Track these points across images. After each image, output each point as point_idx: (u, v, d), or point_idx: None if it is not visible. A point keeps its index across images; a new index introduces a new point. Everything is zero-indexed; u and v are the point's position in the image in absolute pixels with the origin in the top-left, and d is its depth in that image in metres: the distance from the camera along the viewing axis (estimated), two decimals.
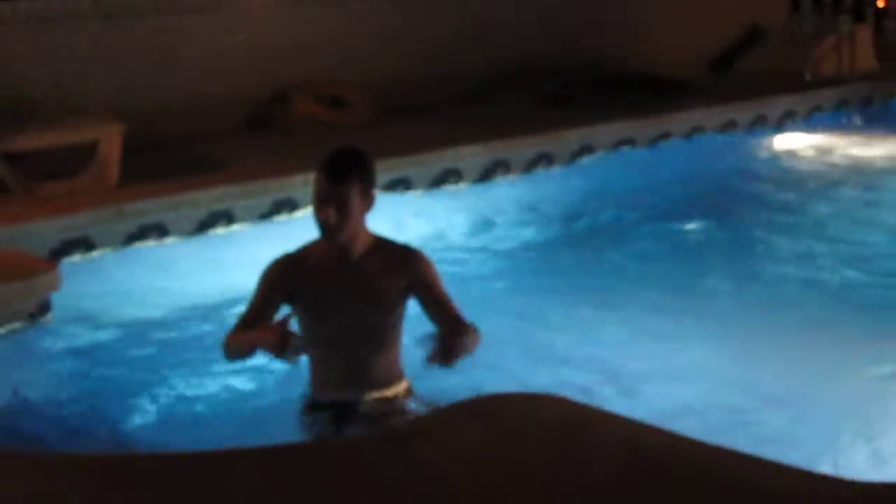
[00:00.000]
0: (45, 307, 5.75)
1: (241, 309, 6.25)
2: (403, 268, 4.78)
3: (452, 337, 4.44)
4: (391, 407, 4.81)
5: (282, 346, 4.29)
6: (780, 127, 10.99)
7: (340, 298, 4.72)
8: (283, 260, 4.81)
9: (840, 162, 10.45)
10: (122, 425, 5.17)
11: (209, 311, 6.38)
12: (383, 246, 4.83)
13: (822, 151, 10.76)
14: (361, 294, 4.72)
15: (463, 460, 3.51)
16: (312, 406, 4.88)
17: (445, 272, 7.19)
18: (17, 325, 5.60)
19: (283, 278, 4.76)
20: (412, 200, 8.10)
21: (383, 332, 4.81)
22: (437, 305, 4.76)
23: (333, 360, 4.82)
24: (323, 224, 4.61)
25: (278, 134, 9.46)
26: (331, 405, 4.80)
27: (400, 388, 4.88)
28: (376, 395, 4.81)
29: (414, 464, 3.49)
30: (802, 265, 7.61)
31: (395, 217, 7.69)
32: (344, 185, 4.57)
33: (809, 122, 11.21)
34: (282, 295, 4.74)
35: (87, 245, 6.71)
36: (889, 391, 5.42)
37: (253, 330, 4.56)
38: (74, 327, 5.98)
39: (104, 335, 6.07)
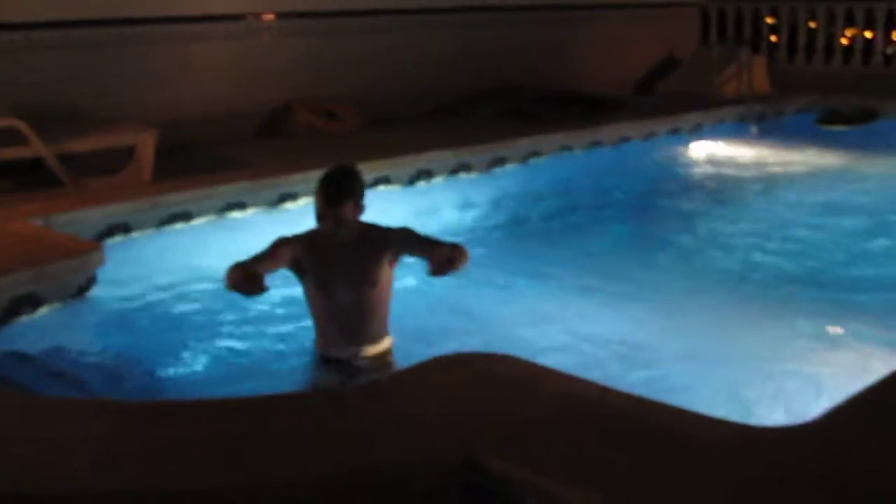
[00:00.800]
0: (91, 280, 5.74)
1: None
2: (384, 244, 4.89)
3: (446, 258, 4.82)
4: (380, 362, 4.91)
5: (248, 291, 4.67)
6: (691, 137, 11.06)
7: (338, 275, 4.83)
8: (293, 238, 4.92)
9: (739, 163, 10.56)
10: (158, 377, 5.18)
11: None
12: (369, 230, 4.93)
13: (725, 156, 10.86)
14: (353, 271, 4.83)
15: (431, 405, 3.55)
16: (320, 361, 5.00)
17: None
18: (69, 295, 5.59)
19: (291, 252, 4.85)
20: (391, 194, 8.11)
21: (372, 300, 4.89)
22: (424, 246, 4.93)
23: (334, 323, 4.92)
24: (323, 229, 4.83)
25: (283, 139, 9.46)
26: (335, 360, 4.91)
27: (386, 343, 5.00)
28: (369, 349, 4.91)
29: (393, 409, 3.53)
30: (707, 245, 7.70)
31: (379, 207, 7.74)
32: (338, 206, 4.74)
33: (715, 132, 11.28)
34: (285, 264, 4.87)
35: (126, 229, 6.69)
36: (782, 352, 5.48)
37: (240, 272, 4.70)
38: (116, 297, 5.96)
39: (141, 303, 6.07)
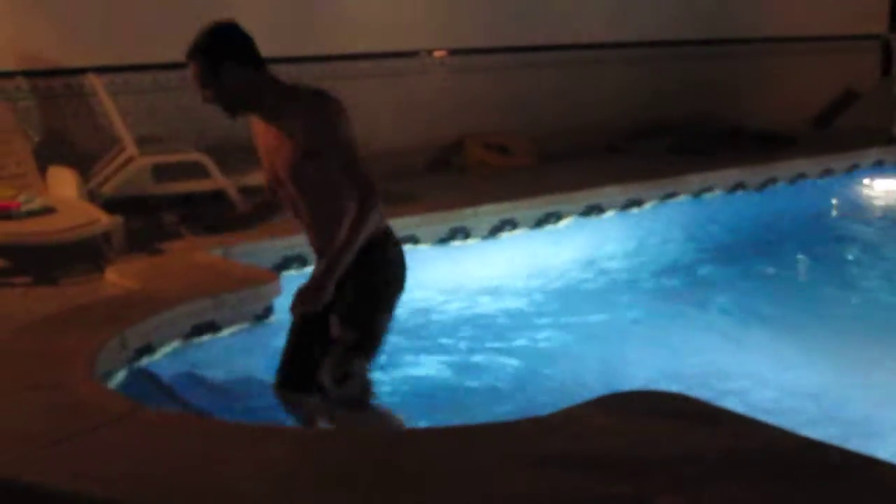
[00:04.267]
0: (269, 310, 5.88)
1: (419, 315, 6.37)
2: (304, 112, 3.92)
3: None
4: None
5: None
6: (871, 173, 10.70)
7: (270, 161, 4.07)
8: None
9: None
10: None
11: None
12: (295, 97, 3.99)
13: None
14: (279, 151, 4.00)
15: (603, 441, 3.53)
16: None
17: (584, 282, 7.26)
18: (247, 323, 5.74)
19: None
20: (560, 229, 8.11)
21: (316, 185, 3.99)
22: (331, 152, 3.90)
23: (299, 222, 4.25)
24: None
25: (454, 174, 9.56)
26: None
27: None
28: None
29: (564, 444, 3.52)
30: (887, 288, 7.46)
31: (547, 241, 7.76)
32: (194, 63, 3.90)
33: None
34: None
35: (301, 262, 6.83)
36: None
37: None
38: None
39: None
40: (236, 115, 4.03)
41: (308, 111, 3.91)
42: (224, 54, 3.90)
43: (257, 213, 4.51)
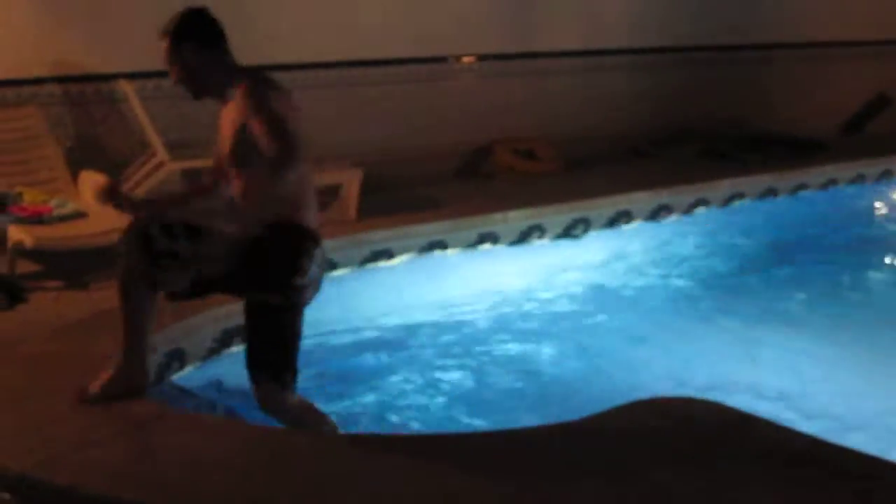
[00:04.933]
0: None
1: (450, 315, 6.36)
2: (245, 88, 3.97)
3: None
4: None
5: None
6: None
7: (220, 147, 4.18)
8: None
9: None
10: (353, 410, 5.29)
11: (426, 318, 6.51)
12: (246, 79, 4.04)
13: None
14: (224, 132, 4.10)
15: (637, 448, 3.53)
16: None
17: (614, 292, 7.23)
18: None
19: None
20: (589, 237, 8.10)
21: (245, 162, 4.02)
22: (255, 119, 3.85)
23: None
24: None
25: (482, 180, 9.56)
26: None
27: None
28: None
29: (595, 450, 3.52)
30: None
31: (573, 249, 7.76)
32: (163, 41, 4.10)
33: None
34: None
35: (330, 266, 6.84)
36: None
37: None
38: (320, 330, 6.10)
39: (343, 337, 6.23)
40: (199, 97, 4.19)
41: (248, 87, 3.97)
42: (186, 35, 4.08)
43: (186, 194, 4.67)
